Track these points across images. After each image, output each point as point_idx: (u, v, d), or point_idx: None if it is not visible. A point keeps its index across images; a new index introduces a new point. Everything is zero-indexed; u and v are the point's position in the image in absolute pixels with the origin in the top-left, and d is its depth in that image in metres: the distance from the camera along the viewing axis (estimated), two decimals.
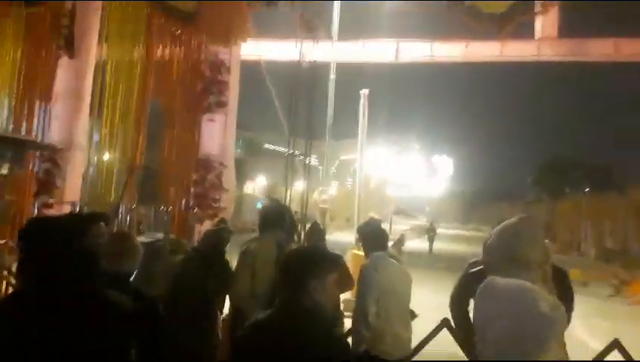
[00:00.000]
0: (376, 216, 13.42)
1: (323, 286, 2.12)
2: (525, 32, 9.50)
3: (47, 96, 8.53)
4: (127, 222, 7.55)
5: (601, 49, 10.02)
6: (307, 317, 2.07)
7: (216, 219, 6.01)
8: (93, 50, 8.57)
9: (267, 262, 3.66)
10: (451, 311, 3.67)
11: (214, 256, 4.16)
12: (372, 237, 3.94)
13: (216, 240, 4.26)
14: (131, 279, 2.74)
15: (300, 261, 2.18)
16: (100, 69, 8.57)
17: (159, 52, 8.56)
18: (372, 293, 3.54)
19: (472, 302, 3.03)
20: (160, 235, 5.80)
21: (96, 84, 8.52)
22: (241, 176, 28.12)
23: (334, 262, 2.27)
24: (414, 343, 4.21)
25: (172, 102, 8.71)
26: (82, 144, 8.48)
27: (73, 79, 8.39)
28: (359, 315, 3.53)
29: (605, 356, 4.06)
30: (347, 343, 2.19)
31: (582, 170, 57.23)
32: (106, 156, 8.98)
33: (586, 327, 8.31)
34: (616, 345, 4.11)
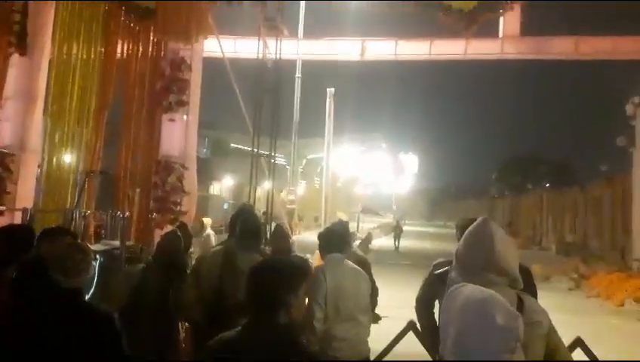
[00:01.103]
0: (344, 217, 13.37)
1: (297, 300, 2.07)
2: (489, 30, 9.58)
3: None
4: (83, 229, 7.19)
5: (562, 47, 10.18)
6: (283, 334, 2.00)
7: (176, 224, 5.78)
8: (47, 48, 8.17)
9: (211, 268, 3.68)
10: (417, 312, 3.68)
11: (171, 264, 3.96)
12: (326, 239, 3.88)
13: (171, 247, 4.05)
14: (90, 292, 2.55)
15: (273, 277, 2.08)
16: (54, 67, 8.22)
17: (117, 49, 8.24)
18: (317, 297, 3.47)
19: (437, 304, 2.98)
20: (117, 242, 5.53)
21: (50, 84, 8.16)
22: (208, 176, 27.68)
23: (305, 272, 2.22)
24: (383, 343, 4.18)
25: (130, 101, 8.38)
26: (35, 147, 8.10)
27: (25, 79, 7.97)
28: (305, 320, 3.45)
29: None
30: (321, 354, 2.15)
31: (543, 167, 58.84)
32: (61, 159, 8.58)
33: None
34: (578, 343, 4.12)
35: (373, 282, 4.40)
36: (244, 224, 3.90)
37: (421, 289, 3.61)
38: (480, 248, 2.09)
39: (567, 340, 3.94)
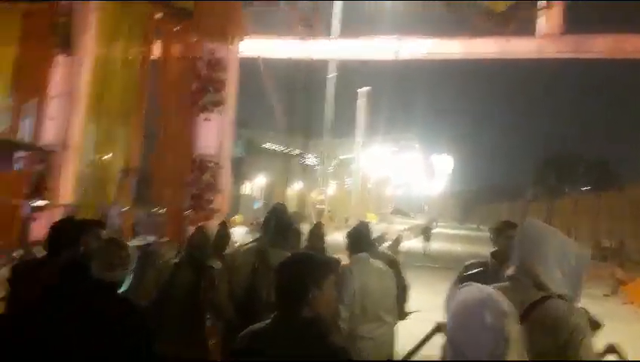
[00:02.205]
0: (374, 219, 13.32)
1: (322, 294, 2.07)
2: (527, 29, 9.37)
3: (42, 96, 8.42)
4: (120, 225, 7.39)
5: (602, 45, 9.89)
6: (308, 329, 2.02)
7: (219, 222, 5.85)
8: (90, 49, 8.44)
9: (243, 266, 3.75)
10: (446, 313, 3.63)
11: (201, 260, 4.02)
12: (353, 239, 3.92)
13: (199, 243, 4.10)
14: (124, 287, 2.63)
15: (297, 270, 2.11)
16: (96, 67, 8.46)
17: (156, 50, 8.43)
18: (343, 297, 3.48)
19: None
20: (152, 238, 5.66)
21: (93, 83, 8.41)
22: (239, 175, 27.95)
23: (331, 266, 2.21)
24: (410, 345, 4.16)
25: (168, 101, 8.56)
26: (77, 145, 8.36)
27: (69, 78, 8.28)
28: (331, 319, 3.48)
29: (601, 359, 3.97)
30: (349, 350, 2.14)
31: (580, 168, 57.23)
32: (101, 157, 8.83)
33: None
34: (612, 350, 4.02)
35: (403, 279, 4.41)
36: (277, 222, 3.95)
37: (450, 290, 3.61)
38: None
39: (601, 347, 3.87)
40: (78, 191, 8.31)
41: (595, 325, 3.68)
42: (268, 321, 2.08)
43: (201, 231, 4.26)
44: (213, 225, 4.68)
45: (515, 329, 1.58)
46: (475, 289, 1.70)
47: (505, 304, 1.63)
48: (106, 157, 8.69)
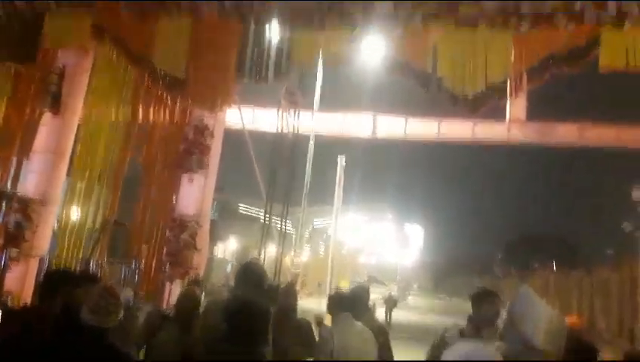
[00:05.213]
0: (347, 285, 13.37)
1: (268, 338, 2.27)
2: (497, 114, 10.06)
3: (26, 151, 8.58)
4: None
5: (566, 133, 10.62)
6: None
7: (190, 278, 5.95)
8: (78, 109, 8.76)
9: (214, 318, 3.59)
10: None
11: (191, 321, 4.12)
12: (337, 300, 4.02)
13: (192, 304, 4.22)
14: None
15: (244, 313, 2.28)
16: (83, 127, 8.77)
17: (144, 113, 8.76)
18: (322, 355, 3.57)
19: None
20: (129, 292, 5.73)
21: (77, 143, 8.67)
22: (213, 238, 27.81)
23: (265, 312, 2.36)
24: None
25: (153, 161, 8.81)
26: (56, 200, 8.50)
27: (55, 136, 8.49)
28: None
29: None
30: None
31: (549, 247, 58.37)
32: (80, 211, 8.97)
33: None
34: None
35: (389, 350, 4.47)
36: (249, 275, 3.96)
37: (431, 349, 3.63)
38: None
39: None
40: (55, 244, 8.37)
41: None
42: None
43: (190, 294, 4.35)
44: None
45: None
46: (472, 344, 1.93)
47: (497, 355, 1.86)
48: (83, 213, 8.83)
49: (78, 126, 8.86)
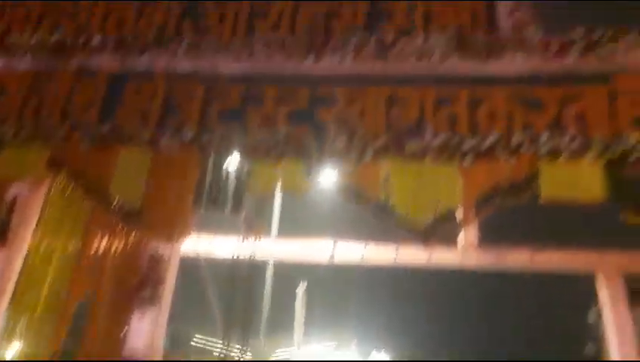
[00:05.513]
0: None
1: None
2: (451, 240, 10.34)
3: None
4: None
5: (518, 258, 10.89)
6: None
7: None
8: (27, 240, 8.48)
9: None
10: None
11: None
12: None
13: None
14: None
15: None
16: (29, 259, 8.43)
17: (96, 244, 8.57)
18: None
19: None
20: None
21: (22, 276, 8.28)
22: None
23: None
24: None
25: (102, 294, 8.46)
26: None
27: None
28: None
29: None
30: None
31: None
32: (21, 346, 8.37)
33: None
34: None
35: None
36: None
37: None
38: None
39: None
40: None
41: None
42: None
43: None
44: None
45: None
46: None
47: None
48: (26, 348, 8.25)
49: (25, 258, 8.53)
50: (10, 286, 8.23)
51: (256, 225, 10.26)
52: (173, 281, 8.39)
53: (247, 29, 8.44)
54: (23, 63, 8.83)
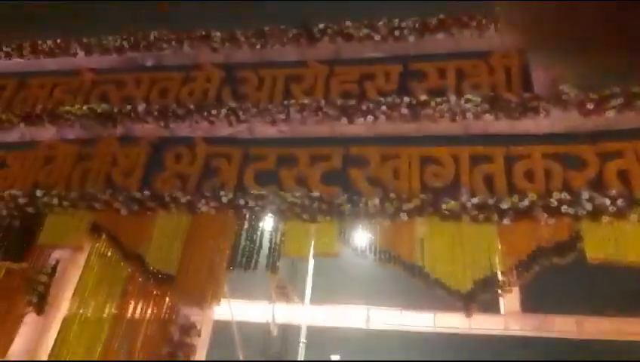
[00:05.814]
0: None
1: None
2: (492, 306, 9.92)
3: (2, 353, 8.09)
4: None
5: (564, 326, 10.33)
6: None
7: None
8: (64, 307, 8.47)
9: None
10: None
11: None
12: None
13: None
14: None
15: None
16: (65, 325, 8.37)
17: (132, 310, 8.50)
18: None
19: None
20: None
21: (57, 341, 8.21)
22: None
23: None
24: None
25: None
26: None
27: (35, 335, 8.11)
28: None
29: None
30: None
31: None
32: None
33: None
34: None
35: None
36: None
37: None
38: None
39: None
40: None
41: None
42: None
43: None
44: None
45: None
46: None
47: None
48: None
49: (61, 325, 8.49)
50: (45, 351, 8.18)
51: (289, 289, 10.10)
52: (205, 348, 8.18)
53: (283, 93, 8.70)
54: (73, 132, 9.26)
